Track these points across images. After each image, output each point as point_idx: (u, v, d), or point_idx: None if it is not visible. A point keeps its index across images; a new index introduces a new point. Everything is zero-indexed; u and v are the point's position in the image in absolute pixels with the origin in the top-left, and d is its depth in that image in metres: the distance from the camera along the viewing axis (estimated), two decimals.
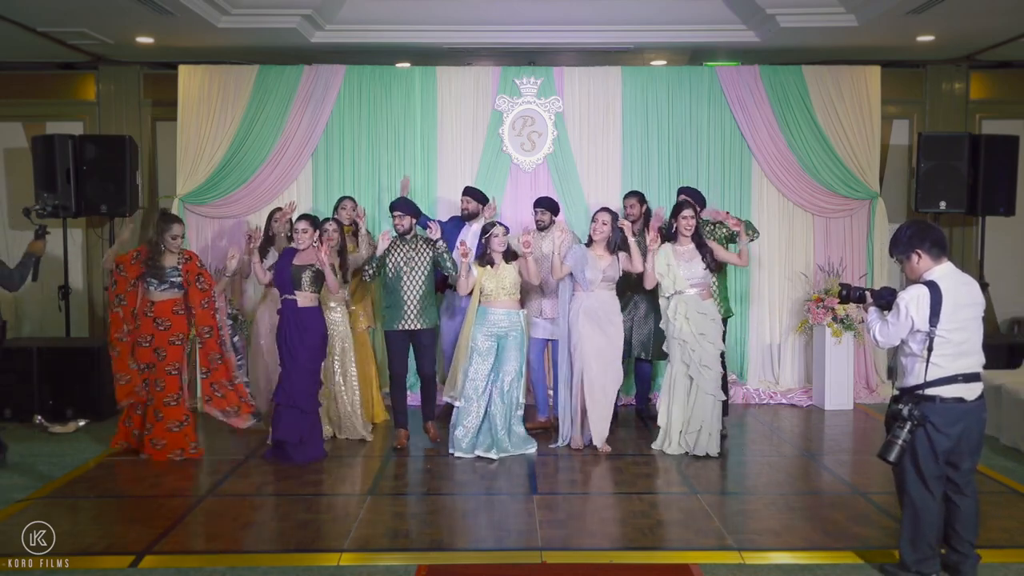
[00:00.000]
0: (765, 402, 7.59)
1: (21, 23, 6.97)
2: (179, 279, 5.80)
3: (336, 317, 6.21)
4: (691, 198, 6.40)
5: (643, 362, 6.79)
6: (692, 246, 5.84)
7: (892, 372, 4.07)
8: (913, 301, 3.75)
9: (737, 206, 7.65)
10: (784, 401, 7.59)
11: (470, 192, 6.85)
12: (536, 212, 6.56)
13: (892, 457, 3.78)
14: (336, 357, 6.20)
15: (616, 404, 6.30)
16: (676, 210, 6.03)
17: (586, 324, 5.87)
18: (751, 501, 5.04)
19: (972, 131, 8.34)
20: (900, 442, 3.77)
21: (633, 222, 6.64)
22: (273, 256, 6.50)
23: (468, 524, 4.72)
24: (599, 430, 5.97)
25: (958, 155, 7.69)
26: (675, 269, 5.76)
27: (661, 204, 7.54)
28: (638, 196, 6.77)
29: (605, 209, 6.10)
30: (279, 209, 6.68)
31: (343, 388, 6.24)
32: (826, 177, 7.62)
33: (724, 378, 6.02)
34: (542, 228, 6.50)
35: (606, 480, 5.46)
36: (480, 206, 6.77)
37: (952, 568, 3.91)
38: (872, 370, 7.71)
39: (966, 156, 7.69)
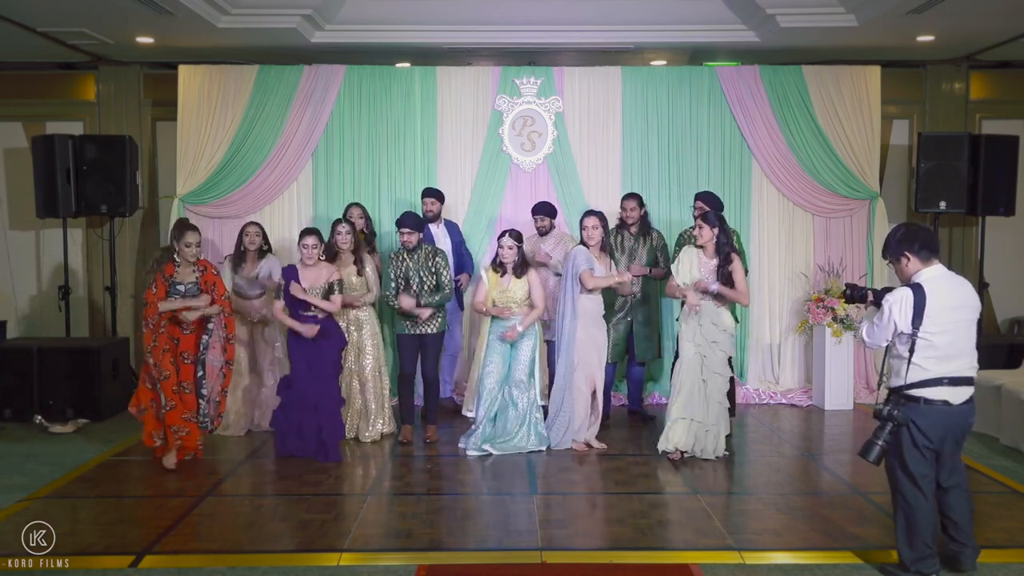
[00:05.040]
0: (765, 402, 7.59)
1: (21, 23, 6.96)
2: (197, 292, 5.61)
3: (362, 315, 6.21)
4: (707, 204, 6.32)
5: (636, 365, 6.81)
6: (715, 261, 5.62)
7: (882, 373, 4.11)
8: (897, 303, 3.78)
9: (737, 206, 7.65)
10: (784, 401, 7.58)
11: (431, 193, 6.90)
12: (536, 219, 6.69)
13: (872, 457, 3.81)
14: (368, 352, 6.18)
15: (608, 404, 6.38)
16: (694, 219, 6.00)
17: (588, 329, 5.93)
18: (751, 501, 5.04)
19: (972, 131, 8.34)
20: (880, 443, 3.80)
21: (631, 225, 6.63)
22: (245, 271, 6.43)
23: (468, 524, 4.71)
24: (595, 428, 6.06)
25: (958, 155, 7.68)
26: (694, 274, 5.63)
27: (660, 204, 7.56)
28: (637, 199, 6.70)
29: (591, 213, 6.12)
30: (252, 223, 6.58)
31: (375, 382, 6.22)
32: (826, 177, 7.62)
33: (732, 386, 6.02)
34: (543, 233, 6.69)
35: (606, 480, 5.46)
36: (442, 206, 6.92)
37: (952, 558, 3.94)
38: (872, 370, 7.71)
39: (966, 156, 7.68)
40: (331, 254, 6.14)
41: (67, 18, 6.89)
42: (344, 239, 6.17)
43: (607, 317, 6.17)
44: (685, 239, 6.61)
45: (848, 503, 4.97)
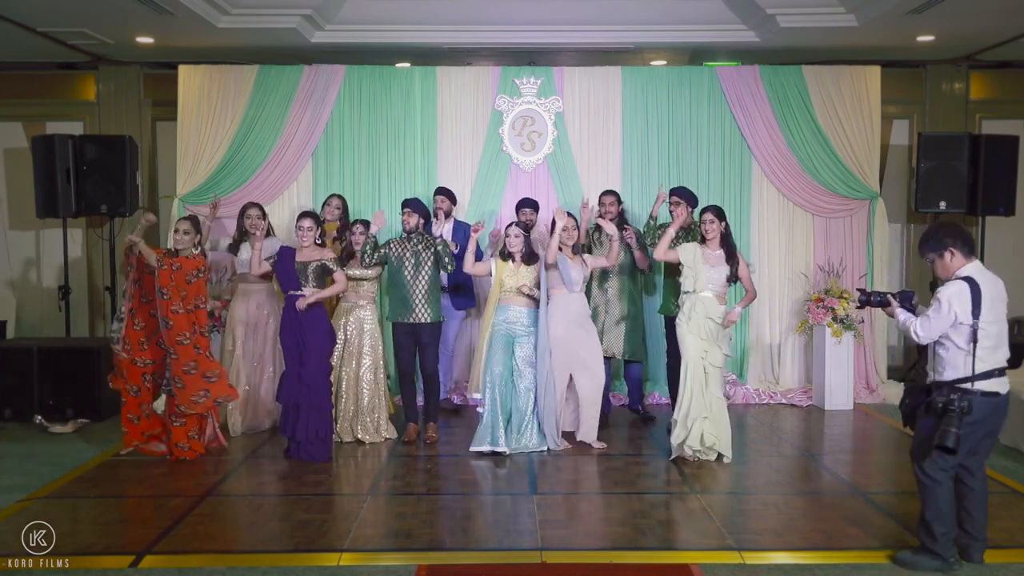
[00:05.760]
0: (765, 402, 7.59)
1: (21, 23, 6.97)
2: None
3: (366, 315, 6.20)
4: (682, 198, 6.36)
5: (631, 363, 6.80)
6: (720, 252, 5.71)
7: (919, 365, 4.14)
8: (955, 296, 3.86)
9: (737, 206, 7.66)
10: (784, 401, 7.58)
11: (443, 192, 6.93)
12: (524, 212, 6.81)
13: (951, 443, 3.82)
14: (366, 354, 6.16)
15: (608, 404, 6.36)
16: (700, 214, 5.96)
17: (571, 326, 5.95)
18: (751, 501, 5.04)
19: (972, 131, 8.35)
20: (954, 430, 3.83)
21: (611, 220, 6.64)
22: (246, 250, 6.46)
23: (468, 524, 4.71)
24: (591, 427, 6.03)
25: (958, 155, 7.69)
26: (699, 268, 5.67)
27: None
28: (615, 195, 6.75)
29: (567, 214, 6.11)
30: (253, 205, 6.61)
31: (370, 385, 6.19)
32: (826, 177, 7.62)
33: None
34: (529, 228, 6.66)
35: (606, 480, 5.46)
36: (453, 206, 6.94)
37: (961, 549, 4.02)
38: (872, 370, 7.72)
39: (966, 156, 7.69)
40: (349, 253, 6.19)
41: (67, 18, 6.89)
42: (358, 239, 6.19)
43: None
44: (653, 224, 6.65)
45: (848, 503, 4.96)
